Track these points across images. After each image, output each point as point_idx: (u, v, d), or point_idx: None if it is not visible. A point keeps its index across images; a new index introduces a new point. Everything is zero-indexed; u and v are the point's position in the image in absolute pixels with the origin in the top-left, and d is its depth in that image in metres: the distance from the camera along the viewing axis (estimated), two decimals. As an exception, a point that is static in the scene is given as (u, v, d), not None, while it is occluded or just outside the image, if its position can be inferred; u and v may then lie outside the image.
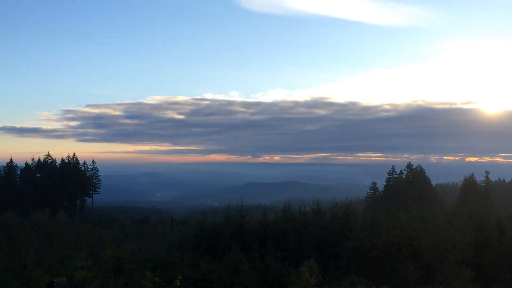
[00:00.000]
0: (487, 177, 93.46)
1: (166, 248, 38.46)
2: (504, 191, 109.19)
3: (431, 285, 23.78)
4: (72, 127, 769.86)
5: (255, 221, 40.02)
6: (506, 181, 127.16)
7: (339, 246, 32.54)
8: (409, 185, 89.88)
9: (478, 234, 35.70)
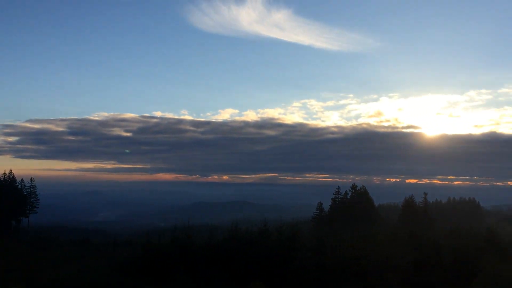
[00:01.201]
0: (425, 198, 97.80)
1: (107, 271, 36.96)
2: (440, 212, 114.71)
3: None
4: (10, 142, 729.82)
5: (202, 241, 39.46)
6: (443, 202, 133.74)
7: (286, 266, 32.69)
8: (353, 205, 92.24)
9: (417, 253, 37.13)
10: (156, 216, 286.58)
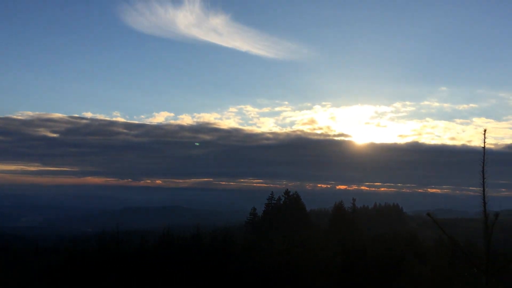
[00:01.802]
0: (353, 203, 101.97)
1: (27, 280, 34.73)
2: (368, 217, 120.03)
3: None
4: None
5: (132, 247, 38.31)
6: (369, 207, 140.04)
7: (219, 271, 32.58)
8: (286, 211, 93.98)
9: (346, 256, 38.55)
10: (83, 222, 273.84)
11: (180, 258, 35.05)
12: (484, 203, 3.42)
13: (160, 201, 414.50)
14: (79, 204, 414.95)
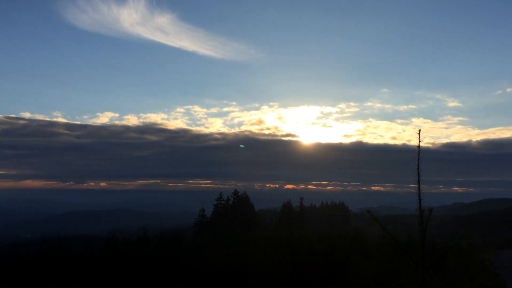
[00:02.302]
0: (301, 203, 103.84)
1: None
2: (315, 215, 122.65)
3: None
4: None
5: (75, 253, 36.87)
6: (317, 206, 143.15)
7: (167, 274, 32.08)
8: (235, 211, 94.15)
9: (293, 255, 39.16)
10: (22, 227, 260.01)
11: (126, 262, 34.15)
12: (419, 199, 3.60)
13: (105, 204, 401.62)
14: (17, 209, 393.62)
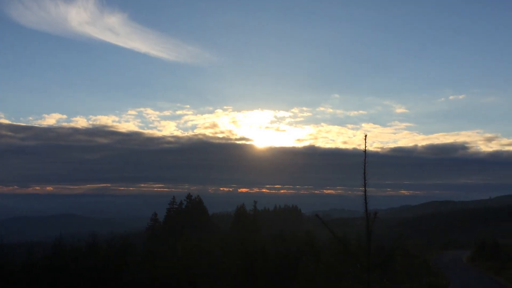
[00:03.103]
0: (255, 206, 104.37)
1: None
2: (268, 219, 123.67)
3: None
4: None
5: (18, 261, 35.15)
6: (270, 209, 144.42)
7: (117, 280, 31.26)
8: (188, 215, 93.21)
9: (246, 258, 39.30)
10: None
11: (73, 270, 32.96)
12: (365, 202, 3.74)
13: (51, 209, 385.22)
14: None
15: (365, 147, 3.99)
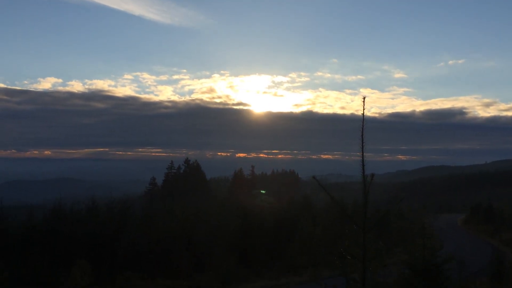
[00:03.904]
0: (252, 171, 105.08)
1: None
2: (265, 183, 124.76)
3: (203, 272, 25.49)
4: None
5: (19, 223, 35.51)
6: (268, 174, 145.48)
7: (116, 243, 31.74)
8: (186, 180, 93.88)
9: (243, 222, 39.87)
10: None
11: (73, 232, 33.38)
12: (363, 165, 3.67)
13: (50, 173, 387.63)
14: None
15: (363, 109, 3.89)
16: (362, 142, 3.81)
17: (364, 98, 4.08)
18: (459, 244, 45.98)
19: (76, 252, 30.17)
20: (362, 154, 3.74)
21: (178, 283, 21.67)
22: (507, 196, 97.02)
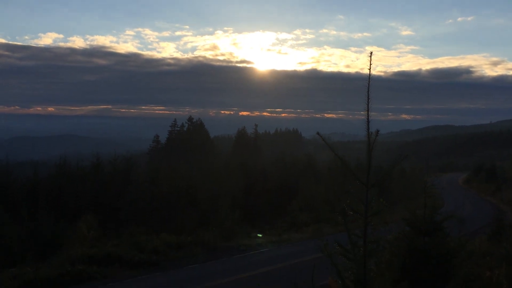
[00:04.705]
0: (256, 129, 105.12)
1: None
2: (269, 142, 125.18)
3: (206, 228, 25.92)
4: None
5: (24, 179, 35.98)
6: (271, 133, 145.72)
7: (120, 199, 32.25)
8: (189, 138, 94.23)
9: (247, 180, 40.28)
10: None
11: (78, 188, 33.87)
12: (368, 122, 3.58)
13: (53, 130, 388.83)
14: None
15: (370, 64, 3.75)
16: (368, 98, 3.70)
17: (371, 53, 3.95)
18: (460, 203, 46.54)
19: (82, 208, 30.74)
20: (368, 108, 3.63)
21: (182, 238, 22.11)
22: (511, 156, 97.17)
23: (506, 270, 9.61)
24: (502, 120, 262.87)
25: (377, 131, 3.69)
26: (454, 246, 8.98)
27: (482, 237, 18.73)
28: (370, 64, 3.70)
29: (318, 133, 4.24)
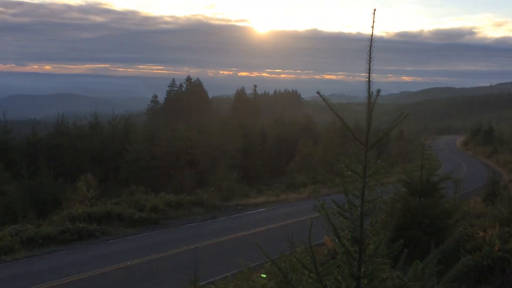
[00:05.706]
0: (254, 90, 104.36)
1: None
2: (268, 103, 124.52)
3: (205, 188, 26.18)
4: None
5: (22, 137, 35.98)
6: (270, 94, 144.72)
7: (119, 159, 32.41)
8: (188, 98, 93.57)
9: (245, 141, 40.34)
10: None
11: (77, 147, 33.95)
12: (369, 80, 3.49)
13: (51, 88, 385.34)
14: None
15: (373, 21, 3.61)
16: (370, 57, 3.59)
17: (374, 10, 3.80)
18: (456, 165, 46.86)
19: (81, 167, 30.90)
20: (369, 68, 3.55)
21: (181, 198, 22.37)
22: (510, 118, 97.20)
23: (499, 231, 9.80)
24: (502, 82, 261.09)
25: (378, 90, 3.62)
26: (448, 207, 9.12)
27: (477, 198, 18.98)
28: (374, 22, 3.59)
29: (318, 92, 4.15)
